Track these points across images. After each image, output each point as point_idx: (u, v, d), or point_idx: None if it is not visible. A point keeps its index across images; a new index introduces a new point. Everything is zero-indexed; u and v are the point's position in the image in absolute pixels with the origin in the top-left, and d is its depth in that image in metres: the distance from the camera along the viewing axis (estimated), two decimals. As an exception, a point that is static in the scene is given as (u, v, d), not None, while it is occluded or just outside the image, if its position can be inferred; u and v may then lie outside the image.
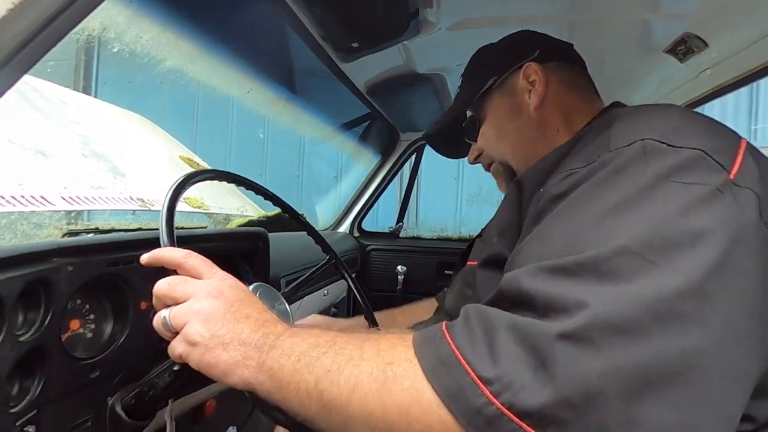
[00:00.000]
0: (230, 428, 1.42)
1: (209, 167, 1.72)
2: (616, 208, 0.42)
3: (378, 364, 0.44)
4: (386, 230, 2.15)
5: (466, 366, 0.40)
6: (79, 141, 1.46)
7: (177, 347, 0.50)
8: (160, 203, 1.18)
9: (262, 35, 1.00)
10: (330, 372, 0.45)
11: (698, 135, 0.46)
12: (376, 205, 2.12)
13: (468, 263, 0.72)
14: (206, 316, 0.48)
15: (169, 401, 0.86)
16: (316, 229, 1.01)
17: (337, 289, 1.75)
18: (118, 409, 0.73)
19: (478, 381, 0.39)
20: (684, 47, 0.96)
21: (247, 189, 0.81)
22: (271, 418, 0.53)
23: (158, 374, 0.74)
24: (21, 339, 0.54)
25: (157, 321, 0.52)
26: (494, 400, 0.38)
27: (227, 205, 1.73)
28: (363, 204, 2.09)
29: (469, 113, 0.87)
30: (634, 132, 0.47)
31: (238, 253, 1.01)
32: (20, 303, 0.54)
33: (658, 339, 0.36)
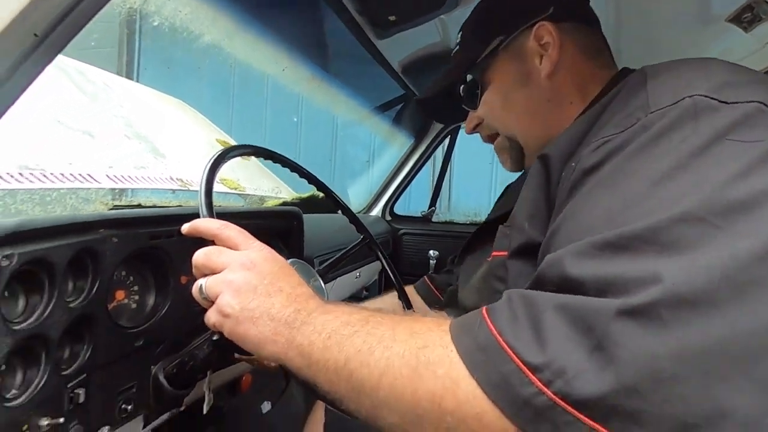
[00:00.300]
0: (265, 403, 1.47)
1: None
2: (668, 173, 0.38)
3: (410, 347, 0.41)
4: (418, 214, 2.13)
5: (509, 351, 0.36)
6: (122, 123, 1.51)
7: (212, 317, 0.51)
8: (198, 184, 1.20)
9: (298, 10, 0.99)
10: (360, 352, 0.43)
11: (752, 87, 0.41)
12: (408, 189, 2.09)
13: (494, 254, 0.64)
14: (238, 288, 0.48)
15: (208, 373, 0.90)
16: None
17: (369, 272, 1.76)
18: (161, 377, 0.76)
19: (524, 368, 0.35)
20: (750, 15, 0.88)
21: (282, 166, 0.81)
22: (307, 391, 0.53)
23: (197, 346, 0.76)
24: (71, 305, 0.56)
25: (195, 289, 0.53)
26: (544, 388, 0.34)
27: (262, 187, 1.76)
28: (395, 188, 2.07)
29: (469, 76, 0.76)
30: (678, 89, 0.43)
31: (273, 231, 1.02)
32: (69, 271, 0.56)
33: (737, 310, 0.32)
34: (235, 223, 0.92)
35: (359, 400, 0.43)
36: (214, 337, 0.61)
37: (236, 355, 0.88)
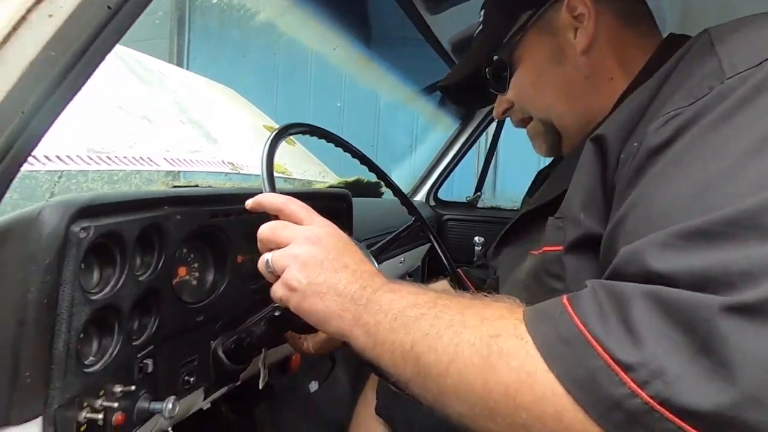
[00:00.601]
0: (312, 383, 1.50)
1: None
2: (758, 145, 0.34)
3: (481, 335, 0.39)
4: (463, 200, 2.09)
5: (597, 346, 0.33)
6: (176, 109, 1.56)
7: (278, 290, 0.51)
8: (249, 167, 1.22)
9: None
10: (428, 336, 0.41)
11: None
12: (452, 174, 2.05)
13: (545, 249, 0.58)
14: (304, 261, 0.48)
15: (263, 350, 0.92)
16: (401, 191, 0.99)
17: (412, 258, 1.75)
18: (220, 352, 0.79)
19: (615, 365, 0.31)
20: None
21: (336, 146, 0.81)
22: (372, 370, 0.53)
23: (254, 323, 0.78)
24: (140, 279, 0.58)
25: (261, 264, 0.53)
26: (639, 390, 0.30)
27: (308, 171, 1.78)
28: (440, 172, 2.04)
29: (495, 56, 0.70)
30: (757, 49, 0.38)
31: (323, 213, 1.03)
32: (138, 246, 0.58)
33: None
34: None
35: (425, 385, 0.42)
36: (276, 313, 0.62)
37: (289, 335, 0.90)
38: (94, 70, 0.41)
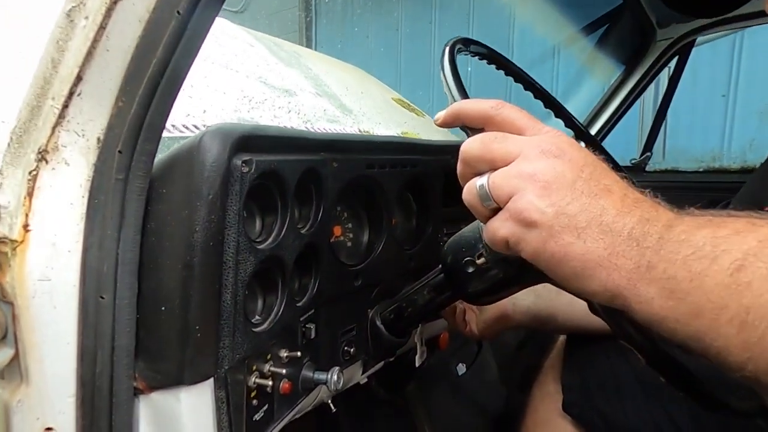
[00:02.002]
0: (460, 364, 1.39)
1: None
2: None
3: None
4: (627, 163, 1.75)
5: None
6: (312, 83, 1.58)
7: (501, 228, 0.34)
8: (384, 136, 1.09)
9: None
10: None
11: None
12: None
13: None
14: (546, 183, 0.32)
15: (420, 324, 0.82)
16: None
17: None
18: (378, 322, 0.71)
19: None
20: None
21: (516, 81, 0.66)
22: (634, 349, 0.37)
23: (416, 291, 0.68)
24: (302, 232, 0.51)
25: (469, 192, 0.36)
26: None
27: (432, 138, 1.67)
28: (596, 131, 1.73)
29: None
30: None
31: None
32: (296, 195, 0.50)
33: None
34: (438, 159, 0.81)
35: None
36: (479, 260, 0.49)
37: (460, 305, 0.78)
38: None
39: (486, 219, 0.36)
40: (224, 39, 1.40)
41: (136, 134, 0.36)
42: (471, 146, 0.36)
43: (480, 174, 0.35)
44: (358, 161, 0.61)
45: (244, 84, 1.25)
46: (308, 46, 3.27)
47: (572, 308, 0.71)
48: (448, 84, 0.43)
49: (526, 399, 0.90)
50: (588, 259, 0.31)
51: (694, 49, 1.57)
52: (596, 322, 0.70)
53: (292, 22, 3.40)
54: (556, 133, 0.35)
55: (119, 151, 0.36)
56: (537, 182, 0.32)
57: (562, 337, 0.78)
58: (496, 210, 0.35)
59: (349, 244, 0.70)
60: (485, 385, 1.38)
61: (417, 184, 0.75)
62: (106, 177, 0.37)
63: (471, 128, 0.38)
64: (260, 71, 1.40)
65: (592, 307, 0.39)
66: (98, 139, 0.37)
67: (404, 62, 3.36)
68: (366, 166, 0.63)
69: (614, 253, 0.30)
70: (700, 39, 1.57)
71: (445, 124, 0.40)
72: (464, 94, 0.43)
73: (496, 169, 0.34)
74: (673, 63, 1.63)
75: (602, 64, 1.63)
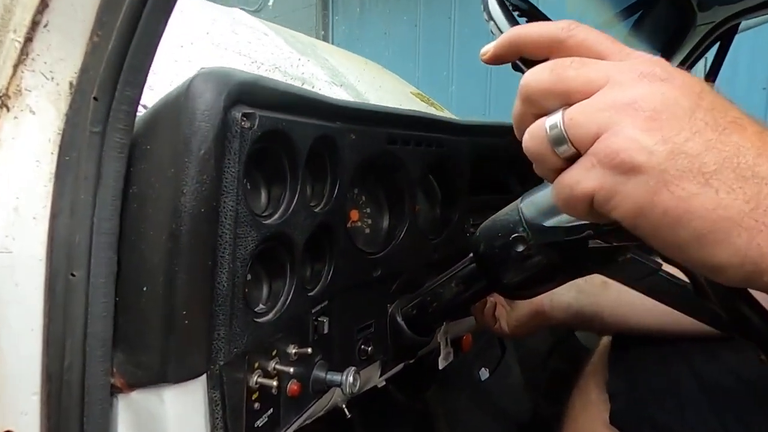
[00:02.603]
0: (482, 369, 1.30)
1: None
2: None
3: None
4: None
5: None
6: (328, 74, 1.54)
7: (583, 180, 0.25)
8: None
9: None
10: None
11: None
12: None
13: None
14: (653, 112, 0.23)
15: (445, 322, 0.74)
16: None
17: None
18: (399, 319, 0.63)
19: None
20: None
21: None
22: (759, 346, 0.29)
23: (442, 283, 0.61)
24: (315, 210, 0.45)
25: (534, 138, 0.27)
26: None
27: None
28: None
29: None
30: None
31: (504, 156, 0.80)
32: (308, 167, 0.44)
33: None
34: (466, 140, 0.73)
35: None
36: (518, 247, 0.42)
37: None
38: None
39: (555, 173, 0.27)
40: (239, 28, 1.36)
41: (115, 77, 0.30)
42: (536, 76, 0.27)
43: (543, 114, 0.27)
44: (378, 135, 0.54)
45: (258, 71, 1.21)
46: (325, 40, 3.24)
47: (620, 304, 0.62)
48: (490, 11, 0.35)
49: (557, 408, 0.81)
50: (720, 217, 0.22)
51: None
52: (650, 320, 0.62)
53: (308, 20, 3.38)
54: (654, 57, 0.27)
55: (95, 98, 0.30)
56: (639, 112, 0.24)
57: (605, 339, 0.69)
58: (573, 158, 0.26)
59: (367, 230, 0.63)
60: (510, 392, 1.30)
61: (442, 167, 0.68)
62: (80, 129, 0.30)
63: (530, 62, 0.30)
64: (275, 59, 1.37)
65: (699, 287, 0.31)
66: (70, 83, 0.31)
67: (422, 59, 3.29)
68: (387, 141, 0.56)
69: (759, 207, 0.22)
70: (744, 23, 1.45)
71: (496, 58, 0.31)
72: (515, 22, 0.35)
73: (572, 104, 0.26)
74: (711, 53, 1.52)
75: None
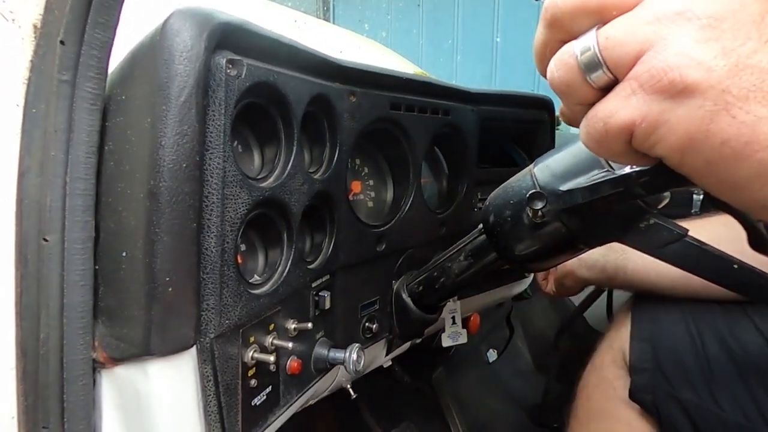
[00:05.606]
0: (491, 351, 1.28)
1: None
2: None
3: None
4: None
5: None
6: (335, 52, 1.52)
7: (621, 108, 0.21)
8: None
9: None
10: None
11: None
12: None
13: None
14: (712, 18, 0.19)
15: (453, 300, 0.72)
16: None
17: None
18: (404, 296, 0.61)
19: None
20: None
21: None
22: None
23: (450, 257, 0.58)
24: (313, 176, 0.42)
25: (562, 65, 0.23)
26: None
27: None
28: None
29: None
30: None
31: (515, 125, 0.76)
32: (304, 130, 0.40)
33: None
34: (473, 108, 0.69)
35: None
36: (533, 213, 0.39)
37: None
38: None
39: (587, 108, 0.23)
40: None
41: (84, 17, 0.27)
42: None
43: (572, 38, 0.23)
44: (381, 98, 0.51)
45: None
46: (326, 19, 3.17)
47: (644, 259, 0.60)
48: None
49: (568, 388, 0.79)
50: None
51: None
52: (672, 273, 0.57)
53: (309, 2, 3.30)
54: None
55: (61, 42, 0.27)
56: (694, 21, 0.19)
57: (623, 312, 0.66)
58: (609, 87, 0.22)
59: (370, 203, 0.60)
60: (518, 374, 1.28)
61: (448, 136, 0.64)
62: (47, 78, 0.27)
63: None
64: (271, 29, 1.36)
65: (758, 239, 0.27)
66: (34, 26, 0.27)
67: (425, 39, 3.22)
68: (390, 107, 0.52)
69: None
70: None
71: None
72: None
73: (607, 22, 0.22)
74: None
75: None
